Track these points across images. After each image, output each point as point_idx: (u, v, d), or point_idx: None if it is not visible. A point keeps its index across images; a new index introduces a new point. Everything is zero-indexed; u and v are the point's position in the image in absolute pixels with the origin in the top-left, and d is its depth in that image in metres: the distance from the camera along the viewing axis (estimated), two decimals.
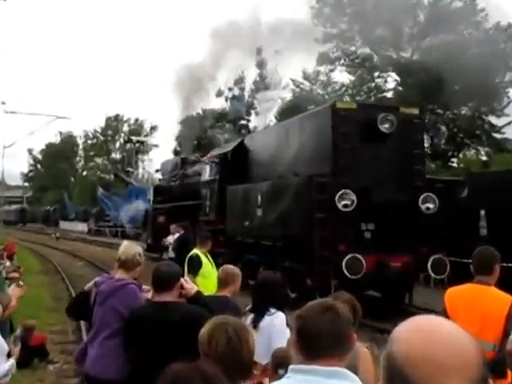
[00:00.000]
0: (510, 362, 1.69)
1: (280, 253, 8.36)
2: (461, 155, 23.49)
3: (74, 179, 56.59)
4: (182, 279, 2.53)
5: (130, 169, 40.69)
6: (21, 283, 3.97)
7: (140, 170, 46.70)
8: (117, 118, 54.74)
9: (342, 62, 25.07)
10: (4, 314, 2.98)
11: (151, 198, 18.58)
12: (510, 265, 6.35)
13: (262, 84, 33.75)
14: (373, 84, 24.70)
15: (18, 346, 3.20)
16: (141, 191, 29.43)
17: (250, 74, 35.00)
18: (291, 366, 1.36)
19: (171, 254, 9.57)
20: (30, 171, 64.16)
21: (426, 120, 19.17)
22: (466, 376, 0.77)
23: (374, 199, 7.84)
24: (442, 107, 21.98)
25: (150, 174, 38.36)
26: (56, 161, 56.94)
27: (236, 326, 1.62)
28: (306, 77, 27.39)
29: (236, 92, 34.95)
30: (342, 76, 34.18)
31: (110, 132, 55.44)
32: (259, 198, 9.31)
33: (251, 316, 2.79)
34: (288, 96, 28.36)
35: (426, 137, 17.08)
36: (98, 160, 55.07)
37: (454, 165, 22.46)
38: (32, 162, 62.67)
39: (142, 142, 45.96)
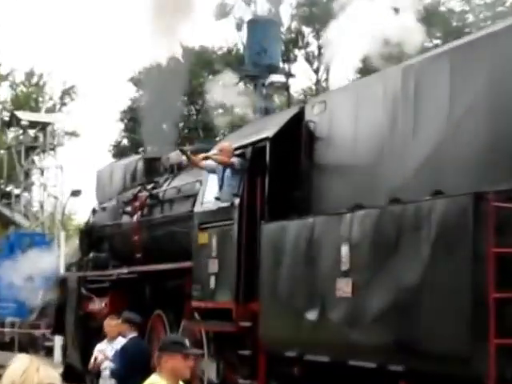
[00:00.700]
0: None
1: None
2: None
3: None
4: None
5: (13, 190, 28.68)
6: None
7: (36, 192, 30.46)
8: None
9: None
10: None
11: (73, 257, 14.71)
12: None
13: None
14: None
15: None
16: (39, 241, 21.87)
17: None
18: None
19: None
20: None
21: None
22: None
23: None
24: None
25: (59, 199, 27.16)
26: None
27: None
28: None
29: (262, 8, 22.82)
30: None
31: None
32: (344, 251, 6.38)
33: None
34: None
35: None
36: None
37: None
38: None
39: (42, 127, 29.55)
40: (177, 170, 11.00)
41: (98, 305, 11.54)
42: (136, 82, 28.96)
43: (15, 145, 30.37)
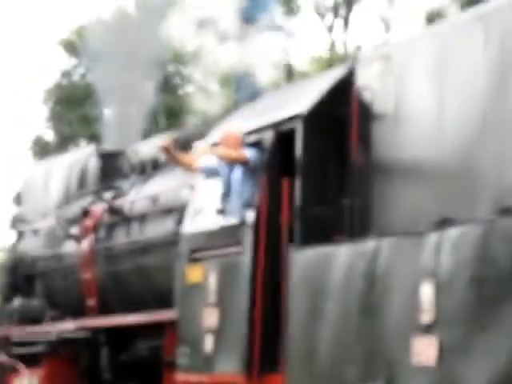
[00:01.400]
0: None
1: None
2: None
3: None
4: None
5: None
6: None
7: None
8: None
9: None
10: None
11: None
12: None
13: None
14: None
15: None
16: None
17: None
18: None
19: None
20: None
21: None
22: None
23: None
24: None
25: None
26: None
27: None
28: None
29: None
30: None
31: None
32: (427, 293, 6.71)
33: None
34: None
35: None
36: None
37: None
38: None
39: None
40: (150, 169, 11.71)
41: (27, 381, 12.02)
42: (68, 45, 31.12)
43: None
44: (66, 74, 32.47)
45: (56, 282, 12.69)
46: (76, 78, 36.07)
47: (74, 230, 12.13)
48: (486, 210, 6.81)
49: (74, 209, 12.53)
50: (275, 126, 8.73)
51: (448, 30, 8.55)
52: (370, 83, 8.33)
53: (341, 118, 8.27)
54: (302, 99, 8.71)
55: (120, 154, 12.72)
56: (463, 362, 6.59)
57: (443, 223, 6.82)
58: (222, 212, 8.80)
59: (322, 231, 8.09)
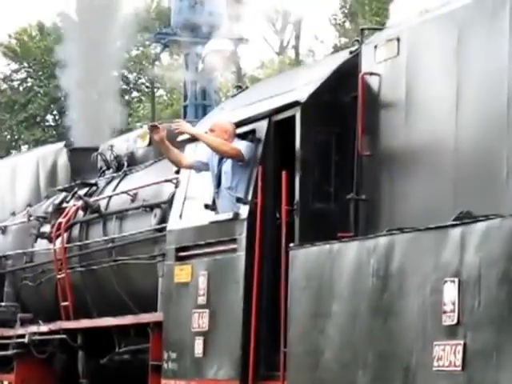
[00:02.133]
0: None
1: None
2: None
3: None
4: None
5: None
6: None
7: None
8: None
9: None
10: None
11: None
12: None
13: None
14: None
15: None
16: None
17: None
18: None
19: None
20: None
21: None
22: None
23: None
24: None
25: None
26: None
27: None
28: None
29: None
30: None
31: None
32: (450, 293, 6.40)
33: None
34: None
35: None
36: None
37: None
38: None
39: None
40: (127, 165, 11.43)
41: None
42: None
43: None
44: (7, 79, 32.60)
45: (27, 282, 12.43)
46: (16, 83, 35.95)
47: (46, 229, 11.80)
48: (510, 204, 6.44)
49: (45, 206, 12.29)
50: (270, 114, 8.46)
51: (466, 9, 8.02)
52: (376, 68, 7.94)
53: (345, 106, 8.03)
54: (302, 85, 8.44)
55: (92, 150, 12.48)
56: (490, 368, 6.16)
57: (465, 217, 6.41)
58: (211, 207, 8.51)
59: (324, 227, 7.80)
